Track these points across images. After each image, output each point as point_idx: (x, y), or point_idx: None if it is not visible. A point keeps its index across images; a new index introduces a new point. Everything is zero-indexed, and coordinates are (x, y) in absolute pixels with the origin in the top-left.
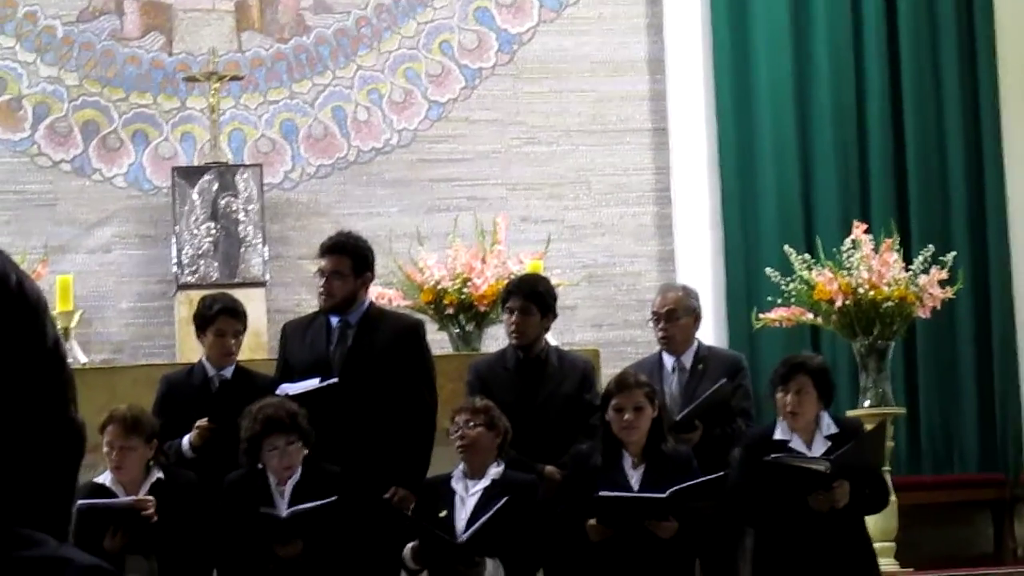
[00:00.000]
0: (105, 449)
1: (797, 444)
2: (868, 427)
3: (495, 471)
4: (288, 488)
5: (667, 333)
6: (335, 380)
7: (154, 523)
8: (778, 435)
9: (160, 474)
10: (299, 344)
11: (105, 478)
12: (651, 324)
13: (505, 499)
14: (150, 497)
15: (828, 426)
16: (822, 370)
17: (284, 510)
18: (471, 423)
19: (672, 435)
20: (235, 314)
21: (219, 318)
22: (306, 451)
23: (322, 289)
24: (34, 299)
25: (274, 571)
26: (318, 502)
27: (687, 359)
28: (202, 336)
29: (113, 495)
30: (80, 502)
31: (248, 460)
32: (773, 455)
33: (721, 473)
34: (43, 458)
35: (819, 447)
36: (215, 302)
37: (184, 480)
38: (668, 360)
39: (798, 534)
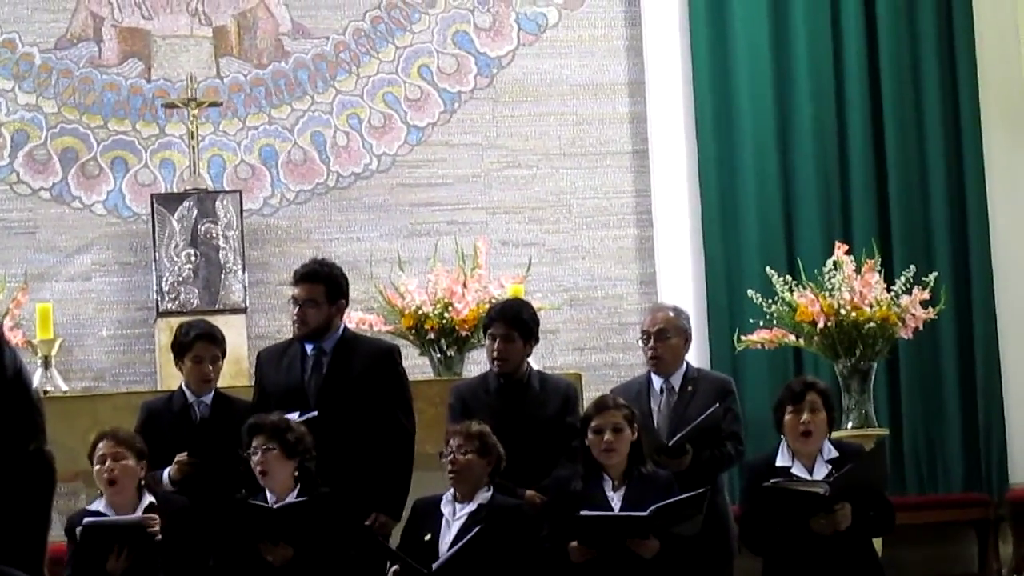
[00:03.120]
0: (97, 467)
1: (799, 470)
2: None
3: (483, 496)
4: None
5: (656, 353)
6: (314, 414)
7: (158, 542)
8: (780, 462)
9: (151, 498)
10: (274, 371)
11: (99, 505)
12: (640, 343)
13: (477, 529)
14: (155, 515)
15: (829, 451)
16: (829, 392)
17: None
18: (463, 449)
19: (662, 459)
20: (212, 339)
21: (196, 344)
22: (297, 471)
23: (296, 317)
24: None
25: None
26: (307, 497)
27: (676, 380)
28: (180, 363)
29: None
30: (86, 520)
31: (245, 469)
32: (772, 480)
33: (702, 490)
34: (12, 491)
35: (820, 472)
36: (192, 328)
37: (176, 504)
38: (656, 381)
39: (806, 559)
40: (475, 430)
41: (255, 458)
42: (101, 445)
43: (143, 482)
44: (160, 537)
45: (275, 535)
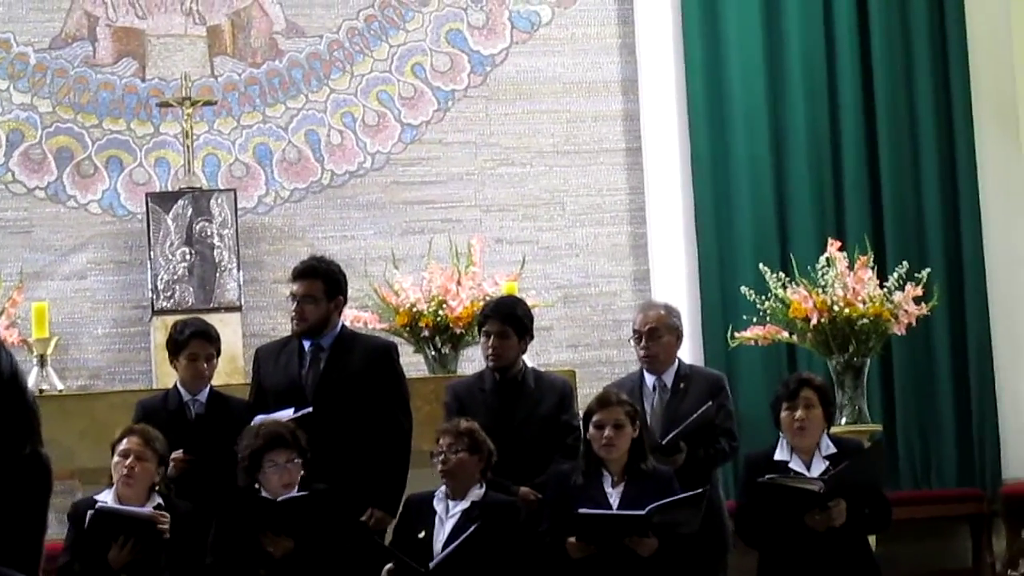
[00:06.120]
0: (117, 459)
1: (797, 464)
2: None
3: (477, 492)
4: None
5: (649, 352)
6: (309, 410)
7: (165, 541)
8: (778, 455)
9: (160, 499)
10: (272, 368)
11: (107, 496)
12: (632, 342)
13: (474, 527)
14: (165, 513)
15: (827, 446)
16: (825, 387)
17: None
18: (454, 447)
19: (657, 457)
20: (207, 337)
21: (191, 342)
22: (303, 472)
23: (294, 313)
24: None
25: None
26: (309, 491)
27: (668, 378)
28: (175, 361)
29: None
30: (98, 505)
31: (247, 477)
32: (767, 476)
33: (700, 490)
34: (8, 494)
35: (818, 467)
36: (186, 326)
37: (181, 509)
38: (649, 379)
39: (801, 554)
40: (464, 427)
41: (275, 470)
42: (129, 439)
43: (156, 487)
44: (168, 536)
45: (278, 527)
